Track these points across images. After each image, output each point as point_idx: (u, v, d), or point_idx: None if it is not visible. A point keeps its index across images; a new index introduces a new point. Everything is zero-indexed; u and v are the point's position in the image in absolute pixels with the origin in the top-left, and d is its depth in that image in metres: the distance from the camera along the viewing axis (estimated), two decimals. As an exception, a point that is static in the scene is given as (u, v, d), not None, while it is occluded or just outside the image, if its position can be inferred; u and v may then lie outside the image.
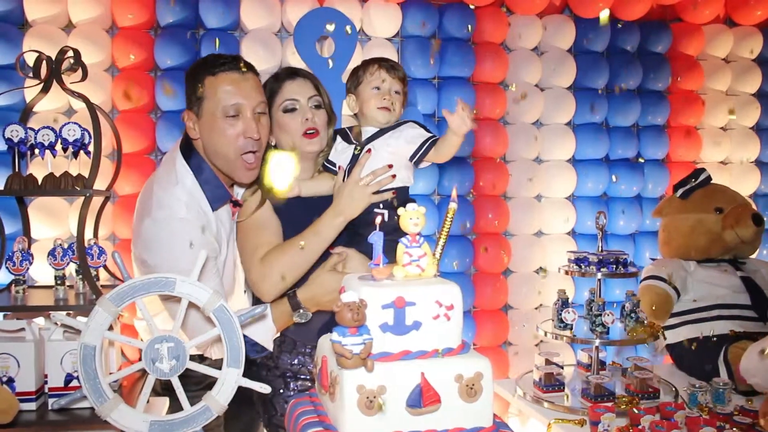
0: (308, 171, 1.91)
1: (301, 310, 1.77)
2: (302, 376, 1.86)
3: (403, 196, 1.79)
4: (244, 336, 1.75)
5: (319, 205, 1.82)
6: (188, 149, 1.81)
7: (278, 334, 1.85)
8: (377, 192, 1.75)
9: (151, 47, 2.84)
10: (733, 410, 2.08)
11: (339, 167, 1.86)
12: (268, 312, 1.75)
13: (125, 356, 2.66)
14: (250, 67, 1.79)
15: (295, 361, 1.86)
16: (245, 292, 1.99)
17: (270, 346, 1.81)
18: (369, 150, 1.79)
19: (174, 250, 1.66)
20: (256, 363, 1.87)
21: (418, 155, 1.77)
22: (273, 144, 1.88)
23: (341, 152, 1.88)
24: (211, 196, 1.77)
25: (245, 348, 1.76)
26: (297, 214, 1.83)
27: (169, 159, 1.85)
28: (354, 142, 1.85)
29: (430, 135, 1.79)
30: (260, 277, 1.75)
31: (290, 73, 1.88)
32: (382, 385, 1.19)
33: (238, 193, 1.90)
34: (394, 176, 1.76)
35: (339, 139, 1.91)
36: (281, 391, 1.85)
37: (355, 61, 2.89)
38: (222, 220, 1.83)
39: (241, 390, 1.39)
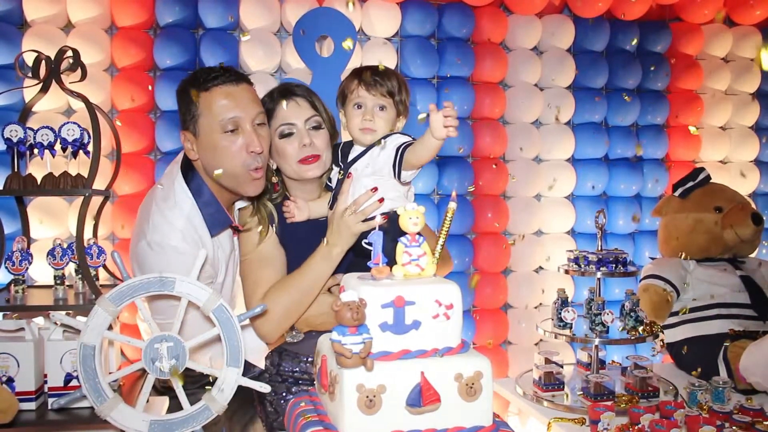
0: (314, 192, 1.85)
1: (294, 331, 1.74)
2: (303, 382, 1.85)
3: (396, 221, 1.51)
4: None
5: (322, 225, 1.74)
6: (188, 169, 1.74)
7: (276, 347, 1.85)
8: (367, 219, 1.61)
9: (151, 47, 2.84)
10: (733, 409, 2.08)
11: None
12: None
13: (125, 356, 2.67)
14: (244, 77, 1.71)
15: (297, 369, 1.84)
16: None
17: (261, 364, 1.82)
18: (350, 175, 1.67)
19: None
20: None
21: (397, 167, 1.61)
22: (274, 167, 1.81)
23: (334, 173, 1.79)
24: (210, 222, 1.71)
25: None
26: (302, 238, 1.75)
27: (169, 177, 1.77)
28: (340, 164, 1.74)
29: (403, 142, 1.62)
30: (260, 320, 1.66)
31: (285, 92, 1.76)
32: (381, 385, 1.19)
33: (246, 221, 1.81)
34: (381, 200, 1.61)
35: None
36: (284, 393, 1.84)
37: (355, 61, 2.93)
38: (221, 243, 1.77)
39: (245, 391, 1.40)
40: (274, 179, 1.82)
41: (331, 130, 1.81)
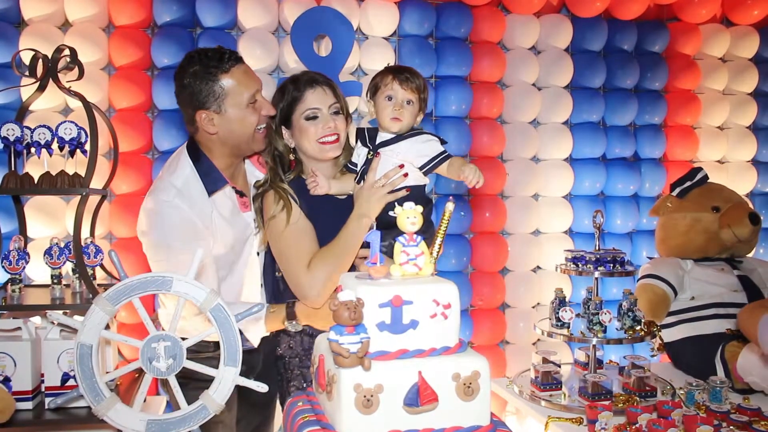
0: (328, 170, 1.99)
1: (294, 322, 1.85)
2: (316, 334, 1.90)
3: (418, 193, 1.87)
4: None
5: (343, 204, 1.93)
6: (192, 148, 1.92)
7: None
8: (393, 191, 1.84)
9: (148, 46, 2.84)
10: (730, 408, 2.08)
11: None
12: (262, 314, 1.85)
13: (122, 355, 2.66)
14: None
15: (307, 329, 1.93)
16: (262, 286, 2.05)
17: (256, 343, 1.92)
18: (378, 154, 1.87)
19: (163, 226, 1.79)
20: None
21: (428, 168, 1.86)
22: (292, 146, 1.96)
23: (358, 153, 1.96)
24: (206, 182, 1.88)
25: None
26: (328, 214, 1.91)
27: (174, 155, 1.96)
28: (368, 145, 1.92)
29: (443, 151, 1.86)
30: (309, 286, 1.81)
31: (311, 80, 1.95)
32: (379, 384, 1.19)
33: (271, 208, 1.92)
34: (406, 175, 1.85)
35: (358, 142, 1.96)
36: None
37: (353, 60, 2.92)
38: (220, 210, 1.90)
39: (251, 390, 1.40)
40: (291, 156, 1.97)
41: (347, 117, 2.00)
